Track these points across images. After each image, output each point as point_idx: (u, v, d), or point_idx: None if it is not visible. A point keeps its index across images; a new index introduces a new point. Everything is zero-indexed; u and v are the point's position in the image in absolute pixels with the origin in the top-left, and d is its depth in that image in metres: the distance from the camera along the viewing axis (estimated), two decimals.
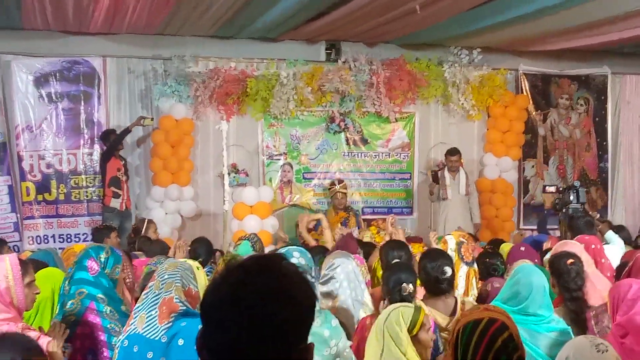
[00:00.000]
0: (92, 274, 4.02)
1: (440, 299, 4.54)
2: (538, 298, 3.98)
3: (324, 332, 3.51)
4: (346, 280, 4.40)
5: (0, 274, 3.56)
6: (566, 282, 4.48)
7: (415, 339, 3.45)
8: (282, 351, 1.60)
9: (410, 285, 4.13)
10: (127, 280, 4.37)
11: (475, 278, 5.42)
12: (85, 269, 4.02)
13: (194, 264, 4.06)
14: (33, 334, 3.50)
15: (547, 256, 5.93)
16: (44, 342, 3.48)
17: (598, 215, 8.23)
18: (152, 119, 10.10)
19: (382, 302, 4.31)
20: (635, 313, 3.65)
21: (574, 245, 5.57)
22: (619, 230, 7.80)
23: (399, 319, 3.49)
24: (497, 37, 10.44)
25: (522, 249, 6.04)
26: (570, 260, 4.61)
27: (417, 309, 3.56)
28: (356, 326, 4.36)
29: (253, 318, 1.57)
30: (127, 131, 10.03)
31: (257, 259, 1.70)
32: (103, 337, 3.89)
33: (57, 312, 4.09)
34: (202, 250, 6.53)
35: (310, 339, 1.67)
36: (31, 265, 3.84)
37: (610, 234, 6.98)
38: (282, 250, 3.80)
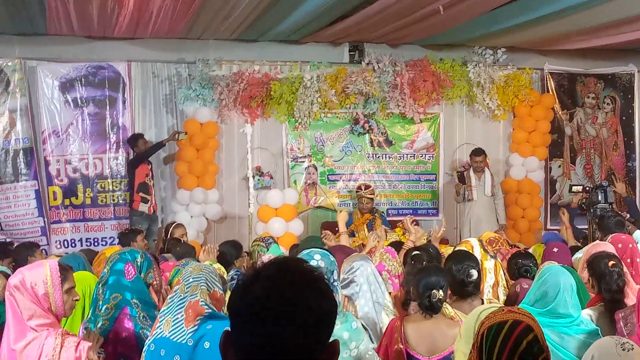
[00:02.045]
0: (128, 279, 4.02)
1: (466, 302, 4.52)
2: (566, 298, 3.95)
3: (344, 334, 3.50)
4: (366, 284, 4.39)
5: (39, 279, 3.55)
6: (607, 283, 4.44)
7: None
8: (314, 346, 1.63)
9: (441, 292, 4.06)
10: (155, 283, 4.39)
11: (503, 270, 5.43)
12: (121, 273, 4.02)
13: (219, 267, 4.08)
14: (73, 340, 3.51)
15: (576, 256, 5.90)
16: (85, 347, 3.49)
17: (628, 216, 8.11)
18: (186, 134, 10.12)
19: (412, 303, 4.28)
20: None
21: (605, 246, 5.52)
22: None
23: None
24: (522, 37, 10.37)
25: (556, 249, 5.96)
26: (612, 262, 4.58)
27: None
28: (378, 328, 4.35)
29: (288, 313, 1.60)
30: (160, 145, 10.17)
31: (285, 259, 1.73)
32: (135, 342, 3.89)
33: (89, 315, 4.10)
34: (231, 252, 6.55)
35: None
36: (71, 271, 3.85)
37: (638, 234, 6.89)
38: (304, 252, 3.78)
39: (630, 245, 5.77)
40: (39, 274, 3.59)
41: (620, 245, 5.66)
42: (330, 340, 1.67)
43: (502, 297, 5.26)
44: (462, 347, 3.53)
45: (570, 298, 3.96)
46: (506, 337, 2.49)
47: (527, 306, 3.96)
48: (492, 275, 5.34)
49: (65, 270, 3.72)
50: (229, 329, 1.67)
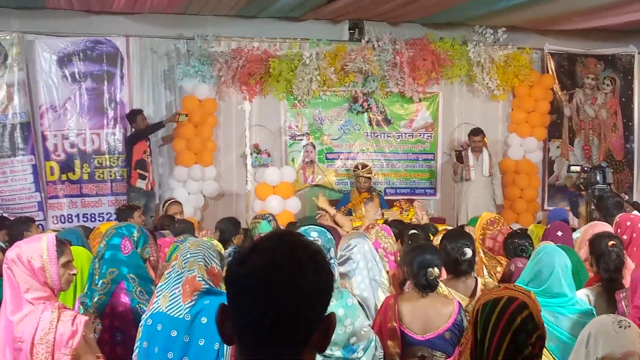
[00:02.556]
0: (125, 253, 4.02)
1: (460, 280, 4.55)
2: (560, 278, 3.97)
3: (339, 310, 3.51)
4: (363, 261, 4.41)
5: (35, 253, 3.56)
6: (606, 263, 4.46)
7: None
8: (311, 318, 1.63)
9: (436, 269, 4.08)
10: (152, 259, 4.39)
11: (482, 249, 5.50)
12: (118, 248, 4.02)
13: (217, 243, 4.07)
14: (69, 314, 3.52)
15: (575, 236, 5.90)
16: (81, 321, 3.50)
17: (627, 198, 8.12)
18: (186, 115, 10.07)
19: (407, 282, 4.29)
20: None
21: (604, 226, 5.53)
22: None
23: None
24: (522, 16, 10.33)
25: (560, 233, 5.91)
26: (612, 242, 4.59)
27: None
28: (374, 306, 4.36)
29: (285, 284, 1.59)
30: (160, 125, 10.18)
31: (283, 232, 1.75)
32: (131, 316, 3.91)
33: (84, 290, 4.11)
34: (229, 229, 6.54)
35: None
36: (68, 245, 3.85)
37: None
38: (302, 229, 3.78)
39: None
40: (36, 247, 3.60)
41: (628, 224, 5.65)
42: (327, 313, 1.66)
43: (486, 274, 5.33)
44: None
45: (564, 278, 3.97)
46: (500, 314, 2.50)
47: (523, 285, 3.97)
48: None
49: (63, 244, 3.73)
50: (225, 302, 1.66)
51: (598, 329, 2.76)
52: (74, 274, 3.78)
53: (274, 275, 1.60)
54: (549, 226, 6.19)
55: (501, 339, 2.46)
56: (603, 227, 5.47)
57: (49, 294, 3.58)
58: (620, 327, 2.74)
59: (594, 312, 4.03)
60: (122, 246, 4.03)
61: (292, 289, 1.59)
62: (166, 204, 8.75)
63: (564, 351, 3.75)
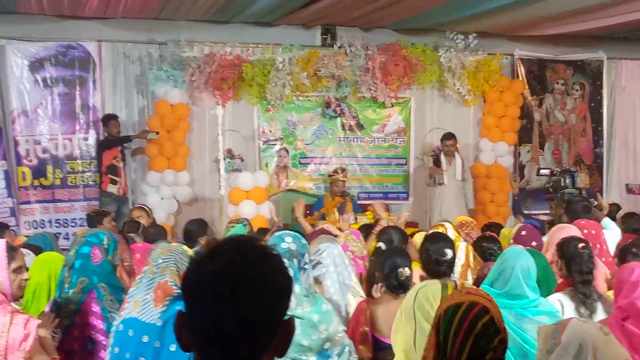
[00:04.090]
0: (95, 262, 4.01)
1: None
2: (521, 280, 3.99)
3: (313, 316, 3.51)
4: (332, 265, 4.43)
5: None
6: (578, 265, 4.47)
7: None
8: (270, 323, 1.62)
9: (407, 269, 4.14)
10: (125, 263, 4.38)
11: (474, 254, 5.51)
12: (88, 257, 4.00)
13: (187, 249, 4.08)
14: (22, 317, 3.51)
15: (544, 239, 5.97)
16: (34, 324, 3.49)
17: (595, 203, 8.20)
18: (157, 133, 10.04)
19: (375, 286, 4.33)
20: (637, 297, 3.68)
21: (570, 229, 5.59)
22: (629, 217, 7.74)
23: (428, 298, 3.50)
24: (493, 22, 10.42)
25: (524, 232, 6.01)
26: (582, 245, 4.62)
27: (444, 286, 3.58)
28: (344, 310, 4.39)
29: (243, 289, 1.58)
30: (128, 139, 10.11)
31: (240, 237, 1.71)
32: (102, 325, 3.90)
33: (54, 297, 4.08)
34: (196, 230, 6.48)
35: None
36: (21, 251, 3.83)
37: (606, 221, 6.98)
38: (276, 235, 3.79)
39: (591, 231, 5.85)
40: None
41: (585, 231, 5.74)
42: (287, 317, 1.66)
43: (471, 279, 5.35)
44: (402, 325, 3.58)
45: (525, 280, 4.00)
46: (462, 319, 2.51)
47: (488, 287, 4.02)
48: (463, 257, 5.42)
49: (13, 250, 3.73)
50: (182, 309, 1.64)
51: (591, 340, 2.68)
52: (26, 279, 3.78)
53: (231, 280, 1.58)
54: (517, 229, 6.24)
55: (463, 344, 2.47)
56: (570, 230, 5.53)
57: (2, 298, 3.58)
58: (605, 334, 2.72)
59: (559, 315, 4.08)
60: (92, 255, 4.01)
61: (249, 293, 1.57)
62: (132, 210, 8.74)
63: (524, 354, 3.80)
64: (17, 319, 3.49)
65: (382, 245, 5.25)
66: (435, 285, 3.60)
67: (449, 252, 4.53)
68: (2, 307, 3.54)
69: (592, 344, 2.65)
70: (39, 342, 3.50)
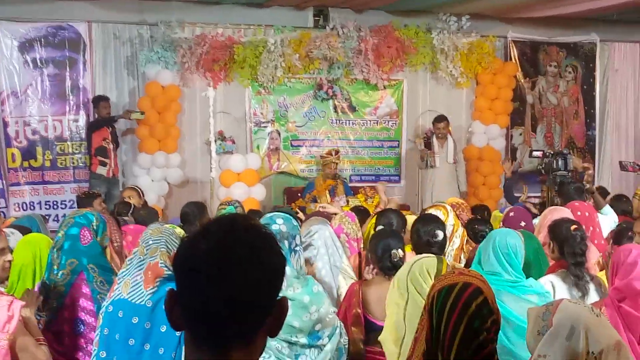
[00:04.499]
0: (84, 244, 3.97)
1: None
2: (510, 260, 4.01)
3: (304, 297, 3.50)
4: (324, 247, 4.43)
5: None
6: (571, 247, 4.46)
7: None
8: (263, 303, 1.60)
9: (400, 251, 4.13)
10: (115, 244, 4.35)
11: (467, 238, 5.54)
12: (77, 238, 3.97)
13: (180, 231, 4.05)
14: (5, 299, 3.47)
15: (534, 221, 5.96)
16: (18, 306, 3.46)
17: (588, 185, 8.18)
18: (142, 113, 9.97)
19: (366, 267, 4.31)
20: (633, 278, 3.68)
21: (562, 211, 5.58)
22: (618, 199, 7.73)
23: (422, 271, 3.50)
24: (486, 4, 10.39)
25: (512, 214, 6.02)
26: (574, 226, 4.61)
27: (440, 260, 3.58)
28: (335, 291, 4.38)
29: (236, 267, 1.56)
30: (113, 119, 10.02)
31: (233, 215, 1.69)
32: (92, 307, 3.88)
33: (43, 279, 4.04)
34: (193, 211, 6.43)
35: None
36: (3, 232, 3.80)
37: (607, 208, 6.97)
38: (267, 216, 3.77)
39: (584, 213, 5.84)
40: None
41: (578, 213, 5.74)
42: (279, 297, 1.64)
43: (463, 261, 5.36)
44: (394, 297, 3.57)
45: (514, 260, 4.02)
46: (455, 300, 2.49)
47: (477, 266, 4.03)
48: (459, 241, 5.42)
49: None
50: (174, 288, 1.62)
51: (582, 321, 2.65)
52: (9, 261, 3.74)
53: (224, 259, 1.56)
54: (511, 214, 6.22)
55: (457, 325, 2.46)
56: (562, 212, 5.52)
57: None
58: (597, 315, 2.70)
59: (550, 296, 4.08)
60: (81, 236, 3.98)
61: (242, 272, 1.56)
62: (123, 191, 8.70)
63: (509, 330, 3.82)
64: (1, 300, 3.46)
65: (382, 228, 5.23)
66: (430, 259, 3.60)
67: (439, 234, 4.53)
68: None
69: (584, 325, 2.63)
70: (23, 323, 3.47)
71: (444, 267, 3.51)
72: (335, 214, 6.09)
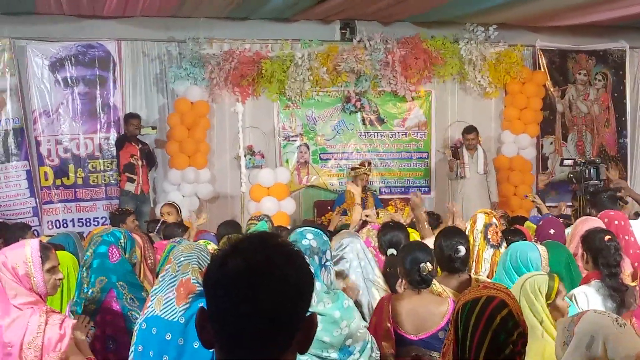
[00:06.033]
0: (113, 261, 4.00)
1: (454, 277, 4.52)
2: (520, 273, 4.02)
3: (335, 313, 3.49)
4: (356, 260, 4.42)
5: (19, 260, 3.56)
6: (605, 258, 4.42)
7: (552, 307, 3.46)
8: (292, 318, 1.62)
9: (429, 264, 4.09)
10: (149, 262, 4.37)
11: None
12: (105, 256, 3.99)
13: (210, 245, 4.06)
14: (57, 317, 3.52)
15: (566, 231, 5.90)
16: (69, 324, 3.50)
17: (622, 192, 8.05)
18: (153, 128, 10.08)
19: (399, 281, 4.29)
20: None
21: (594, 221, 5.52)
22: None
23: (534, 288, 3.48)
24: (513, 13, 10.34)
25: (552, 231, 5.89)
26: (608, 237, 4.57)
27: (552, 277, 3.56)
28: (368, 304, 4.36)
29: (265, 284, 1.58)
30: (125, 136, 10.04)
31: (262, 233, 1.71)
32: (123, 324, 3.90)
33: (74, 298, 4.08)
34: (228, 232, 6.42)
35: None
36: (54, 251, 3.83)
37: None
38: (297, 231, 3.77)
39: (616, 222, 5.77)
40: (20, 254, 3.60)
41: (606, 220, 5.67)
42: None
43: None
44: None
45: (516, 271, 4.04)
46: (480, 313, 2.48)
47: (499, 280, 4.04)
48: (488, 266, 5.23)
49: (47, 249, 3.72)
50: (204, 305, 1.65)
51: (602, 331, 2.66)
52: (60, 279, 3.78)
53: (253, 277, 1.58)
54: (541, 223, 6.17)
55: (482, 339, 2.45)
56: (594, 222, 5.46)
57: (36, 298, 3.59)
58: (620, 326, 2.69)
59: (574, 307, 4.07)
60: (109, 254, 4.00)
61: (272, 290, 1.58)
62: (161, 209, 8.72)
63: None
64: (53, 319, 3.50)
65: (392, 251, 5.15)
66: (542, 276, 3.59)
67: (462, 249, 4.47)
68: (37, 307, 3.55)
69: (603, 336, 2.64)
70: (75, 342, 3.51)
71: (555, 284, 3.50)
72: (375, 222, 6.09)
